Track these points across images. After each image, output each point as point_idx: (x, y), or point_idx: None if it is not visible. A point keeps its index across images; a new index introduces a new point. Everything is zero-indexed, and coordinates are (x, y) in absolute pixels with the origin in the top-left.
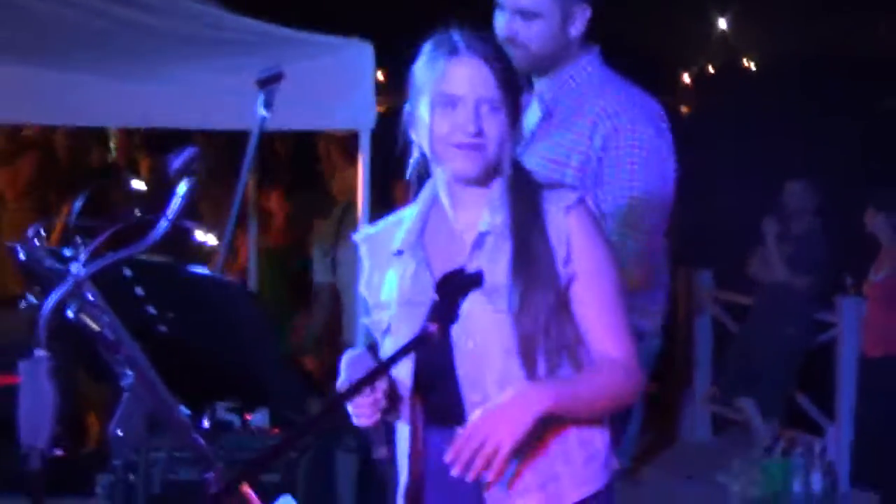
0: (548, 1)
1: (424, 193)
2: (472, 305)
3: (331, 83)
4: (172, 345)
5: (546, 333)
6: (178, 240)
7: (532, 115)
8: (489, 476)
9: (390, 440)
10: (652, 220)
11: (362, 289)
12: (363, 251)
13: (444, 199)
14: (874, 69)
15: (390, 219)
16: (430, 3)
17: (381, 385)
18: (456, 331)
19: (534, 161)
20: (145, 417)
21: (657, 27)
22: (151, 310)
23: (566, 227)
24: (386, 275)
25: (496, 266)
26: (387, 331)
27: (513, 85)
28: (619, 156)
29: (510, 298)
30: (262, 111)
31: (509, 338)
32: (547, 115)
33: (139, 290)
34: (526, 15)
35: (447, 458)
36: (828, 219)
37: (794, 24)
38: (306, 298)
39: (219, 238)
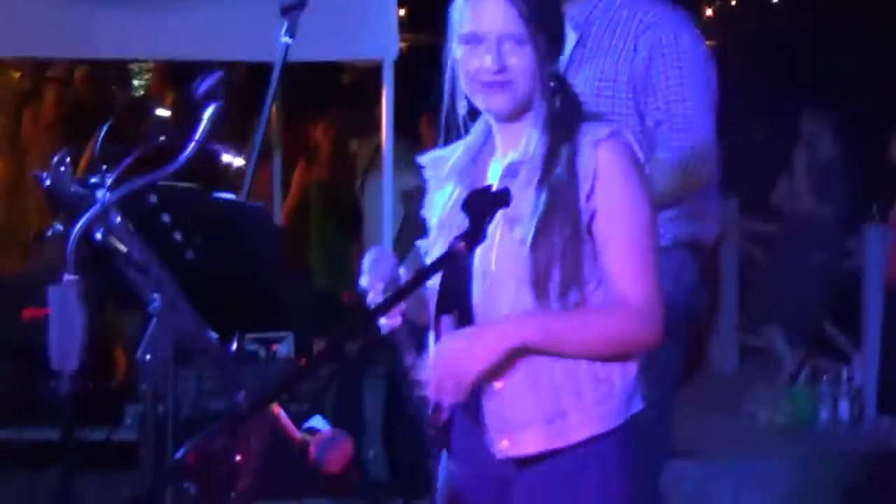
0: None
1: (480, 122)
2: (495, 232)
3: (353, 12)
4: (199, 271)
5: (561, 267)
6: (205, 166)
7: (567, 41)
8: (449, 400)
9: (419, 346)
10: (706, 120)
11: (423, 211)
12: (427, 173)
13: (494, 130)
14: None
15: (454, 144)
16: None
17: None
18: (477, 256)
19: (582, 84)
20: (173, 343)
21: None
22: (178, 236)
23: (594, 162)
24: (437, 196)
25: (523, 195)
26: (426, 251)
27: (542, 15)
28: (665, 63)
29: (527, 228)
30: (285, 39)
31: (524, 268)
32: (582, 39)
33: (165, 217)
34: None
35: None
36: (853, 146)
37: None
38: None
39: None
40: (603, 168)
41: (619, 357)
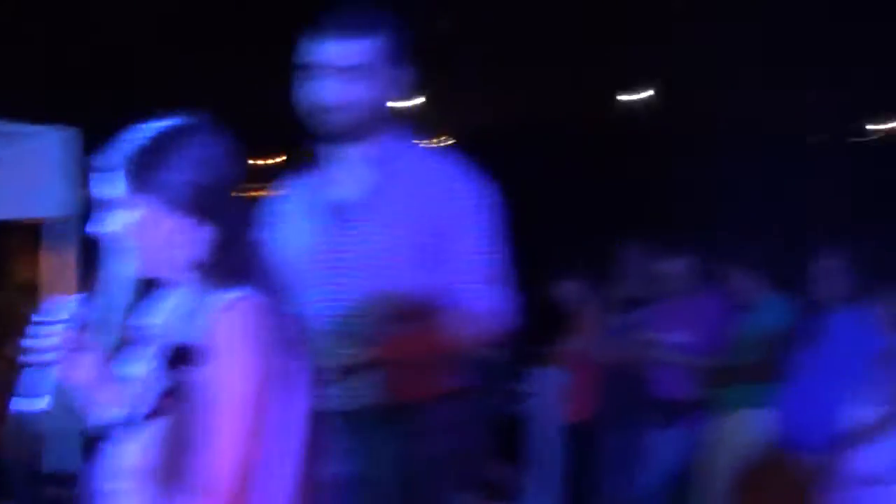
0: (370, 57)
1: None
2: None
3: (34, 171)
4: None
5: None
6: None
7: (358, 183)
8: None
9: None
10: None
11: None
12: None
13: None
14: None
15: None
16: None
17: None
18: None
19: (379, 225)
20: None
21: None
22: None
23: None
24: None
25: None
26: None
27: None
28: (472, 215)
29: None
30: None
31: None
32: (378, 179)
33: None
34: (347, 73)
35: None
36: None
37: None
38: None
39: None
40: (214, 335)
41: None
